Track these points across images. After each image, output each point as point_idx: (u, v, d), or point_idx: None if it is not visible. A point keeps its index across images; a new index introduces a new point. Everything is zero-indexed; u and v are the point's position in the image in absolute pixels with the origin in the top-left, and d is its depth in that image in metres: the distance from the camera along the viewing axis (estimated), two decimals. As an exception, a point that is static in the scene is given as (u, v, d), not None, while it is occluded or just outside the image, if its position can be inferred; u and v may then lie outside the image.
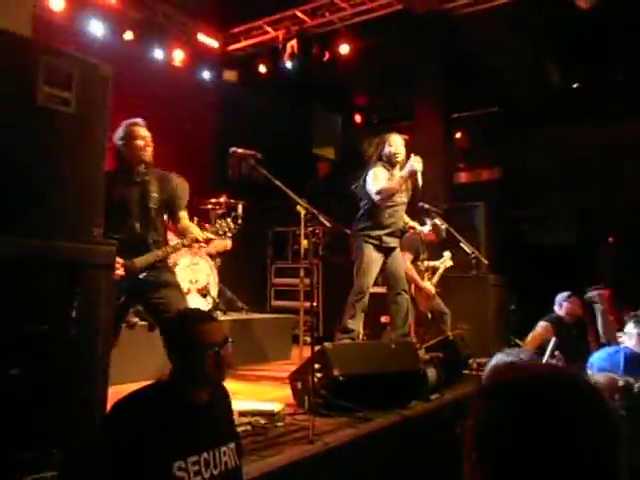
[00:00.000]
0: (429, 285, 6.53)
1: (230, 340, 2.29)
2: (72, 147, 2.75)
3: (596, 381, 2.09)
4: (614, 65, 9.01)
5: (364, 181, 5.57)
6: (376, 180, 5.46)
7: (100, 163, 2.91)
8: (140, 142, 4.06)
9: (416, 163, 5.35)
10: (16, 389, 2.38)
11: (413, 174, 5.39)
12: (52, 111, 2.65)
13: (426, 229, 6.54)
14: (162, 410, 2.10)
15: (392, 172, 5.55)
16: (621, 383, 2.09)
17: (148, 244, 3.99)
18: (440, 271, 6.76)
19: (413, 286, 6.34)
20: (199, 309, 2.61)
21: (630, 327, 3.71)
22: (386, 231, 5.53)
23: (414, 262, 6.51)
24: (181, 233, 4.20)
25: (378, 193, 5.41)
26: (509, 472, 0.90)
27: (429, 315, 6.57)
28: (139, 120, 4.15)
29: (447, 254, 6.78)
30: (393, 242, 5.60)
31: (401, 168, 5.53)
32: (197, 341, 2.18)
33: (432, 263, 6.86)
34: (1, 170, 2.52)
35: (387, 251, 5.57)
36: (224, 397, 2.43)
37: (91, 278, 2.68)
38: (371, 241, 5.49)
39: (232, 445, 2.26)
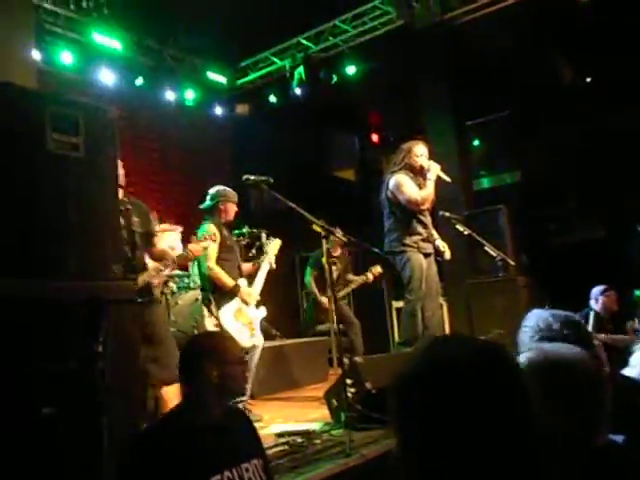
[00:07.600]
0: (324, 299, 6.93)
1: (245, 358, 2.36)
2: (85, 189, 2.84)
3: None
4: (624, 54, 8.90)
5: (388, 190, 5.52)
6: (406, 188, 5.40)
7: (113, 202, 3.01)
8: None
9: (437, 167, 5.49)
10: (49, 428, 2.43)
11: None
12: (63, 157, 2.75)
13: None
14: (177, 438, 2.13)
15: (419, 180, 5.51)
16: None
17: None
18: (351, 286, 7.26)
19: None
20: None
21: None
22: (421, 237, 5.45)
23: (318, 275, 7.02)
24: None
25: (414, 202, 5.38)
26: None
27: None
28: None
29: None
30: (429, 248, 5.52)
31: (424, 175, 5.53)
32: (201, 357, 2.27)
33: (352, 277, 7.32)
34: (21, 218, 2.61)
35: (426, 257, 5.48)
36: (239, 416, 2.50)
37: (114, 313, 2.74)
38: (414, 248, 5.39)
39: (256, 461, 2.28)
